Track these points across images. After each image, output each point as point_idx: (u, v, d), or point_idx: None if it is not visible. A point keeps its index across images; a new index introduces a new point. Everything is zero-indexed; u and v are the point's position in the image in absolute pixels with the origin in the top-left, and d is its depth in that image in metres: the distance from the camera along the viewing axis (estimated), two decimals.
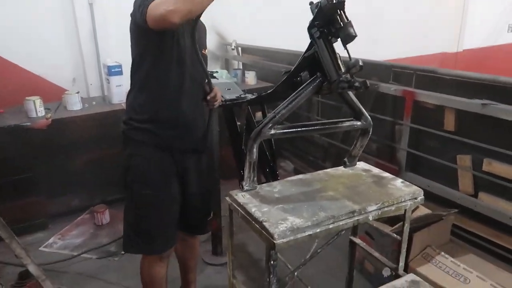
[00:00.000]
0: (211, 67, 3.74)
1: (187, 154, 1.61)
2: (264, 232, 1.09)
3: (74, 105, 2.89)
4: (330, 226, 1.13)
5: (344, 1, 1.14)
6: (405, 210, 1.33)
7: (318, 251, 1.53)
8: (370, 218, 1.20)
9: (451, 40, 5.46)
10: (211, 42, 3.91)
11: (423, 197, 1.30)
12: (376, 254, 1.55)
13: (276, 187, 1.33)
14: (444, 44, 5.48)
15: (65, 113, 2.84)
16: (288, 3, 3.84)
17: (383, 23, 4.76)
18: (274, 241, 1.05)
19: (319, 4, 1.15)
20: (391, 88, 2.43)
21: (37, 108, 2.70)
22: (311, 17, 1.21)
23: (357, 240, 1.64)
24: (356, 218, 1.18)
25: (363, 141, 1.40)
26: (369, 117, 1.34)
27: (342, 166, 1.49)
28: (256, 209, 1.18)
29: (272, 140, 1.77)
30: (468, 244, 2.21)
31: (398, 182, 1.36)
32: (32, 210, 2.76)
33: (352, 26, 1.14)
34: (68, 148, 2.84)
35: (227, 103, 1.80)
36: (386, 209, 1.23)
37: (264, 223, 1.10)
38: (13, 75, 2.99)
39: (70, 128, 2.80)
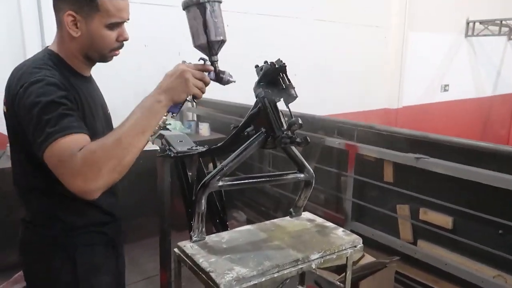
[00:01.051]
0: None
1: (120, 232, 1.40)
2: (211, 283, 1.11)
3: None
4: (275, 275, 1.17)
5: (285, 66, 1.26)
6: (347, 258, 1.40)
7: None
8: (313, 266, 1.26)
9: (392, 97, 5.94)
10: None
11: (362, 245, 1.38)
12: None
13: (224, 238, 1.36)
14: (385, 101, 5.93)
15: (8, 163, 2.73)
16: (241, 60, 4.07)
17: (331, 80, 5.12)
18: None
19: (263, 67, 1.27)
20: (336, 142, 2.59)
21: None
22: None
23: None
24: (300, 266, 1.23)
25: (306, 192, 1.49)
26: (311, 170, 1.43)
27: (288, 216, 1.55)
28: (203, 259, 1.19)
29: (222, 191, 1.82)
30: None
31: (340, 231, 1.44)
32: None
33: (293, 88, 1.26)
34: (8, 200, 2.70)
35: (179, 154, 1.84)
36: (328, 257, 1.29)
37: (211, 274, 1.12)
38: None
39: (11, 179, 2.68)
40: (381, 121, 5.04)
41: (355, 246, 1.37)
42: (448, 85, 6.65)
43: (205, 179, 1.24)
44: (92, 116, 1.20)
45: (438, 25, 6.15)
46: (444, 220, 2.15)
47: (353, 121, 2.73)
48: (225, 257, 1.21)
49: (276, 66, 1.25)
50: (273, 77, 1.28)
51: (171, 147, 1.86)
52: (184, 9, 1.16)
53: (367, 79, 5.53)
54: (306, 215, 1.58)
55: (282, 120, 1.25)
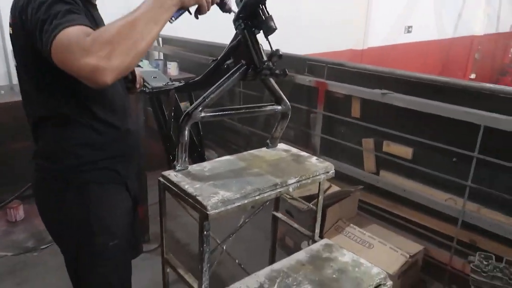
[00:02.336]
0: None
1: (133, 174, 1.38)
2: (198, 205, 1.19)
3: None
4: (256, 198, 1.27)
5: None
6: (320, 182, 1.52)
7: (246, 221, 1.67)
8: (291, 189, 1.37)
9: (358, 39, 5.99)
10: None
11: (334, 171, 1.50)
12: (296, 225, 1.74)
13: (206, 167, 1.43)
14: (352, 42, 5.99)
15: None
16: None
17: (301, 21, 5.08)
18: (207, 212, 1.16)
19: None
20: (306, 79, 2.66)
21: None
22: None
23: (278, 215, 1.81)
24: (278, 190, 1.33)
25: (283, 124, 1.57)
26: (288, 102, 1.50)
27: (265, 147, 1.64)
28: (189, 186, 1.27)
29: (200, 125, 1.87)
30: (372, 216, 2.54)
31: (313, 159, 1.55)
32: None
33: (272, 20, 1.28)
34: None
35: (154, 90, 1.85)
36: (303, 181, 1.40)
37: (198, 197, 1.20)
38: None
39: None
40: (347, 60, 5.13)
41: (328, 172, 1.49)
42: (411, 27, 6.75)
43: (189, 109, 1.28)
44: None
45: None
46: (405, 151, 2.33)
47: (323, 58, 2.79)
48: (209, 183, 1.29)
49: None
50: (252, 9, 1.29)
51: (145, 83, 1.86)
52: None
53: (334, 21, 5.52)
54: (281, 146, 1.68)
55: (262, 52, 1.28)
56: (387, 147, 2.41)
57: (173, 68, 3.65)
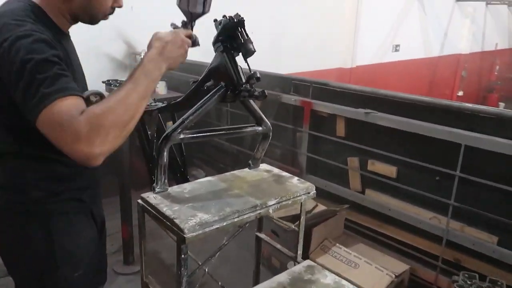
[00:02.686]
0: (119, 76, 3.71)
1: (99, 200, 1.36)
2: (175, 228, 1.18)
3: None
4: (235, 220, 1.26)
5: (244, 20, 1.29)
6: (301, 203, 1.52)
7: (226, 243, 1.65)
8: (271, 211, 1.36)
9: (346, 57, 6.08)
10: (118, 51, 3.88)
11: (315, 191, 1.50)
12: (279, 246, 1.72)
13: (186, 188, 1.42)
14: (340, 60, 6.08)
15: None
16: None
17: (289, 40, 5.14)
18: (184, 235, 1.15)
19: (222, 22, 1.29)
20: (291, 99, 2.68)
21: None
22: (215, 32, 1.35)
23: (262, 235, 1.80)
24: (258, 211, 1.33)
25: (264, 145, 1.57)
26: (268, 123, 1.51)
27: (247, 168, 1.64)
28: (167, 208, 1.26)
29: (183, 146, 1.87)
30: (358, 235, 2.53)
31: (295, 180, 1.55)
32: None
33: (251, 43, 1.29)
34: None
35: None
36: (284, 202, 1.40)
37: (175, 220, 1.19)
38: None
39: None
40: (335, 80, 5.19)
41: (309, 193, 1.49)
42: (399, 45, 6.88)
43: (167, 131, 1.28)
44: (74, 77, 1.11)
45: None
46: (389, 170, 2.34)
47: (309, 78, 2.82)
48: (188, 205, 1.28)
49: (235, 20, 1.28)
50: (231, 32, 1.31)
51: None
52: None
53: (322, 40, 5.61)
54: (263, 166, 1.68)
55: (241, 74, 1.30)
56: (372, 166, 2.42)
57: (161, 88, 3.65)
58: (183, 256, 1.20)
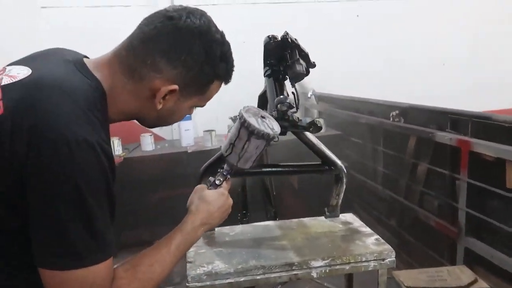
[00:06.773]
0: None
1: None
2: (186, 273, 1.05)
3: (147, 146, 3.22)
4: (258, 277, 1.03)
5: (288, 38, 1.10)
6: (378, 272, 1.13)
7: None
8: (314, 275, 1.06)
9: None
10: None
11: (393, 259, 1.09)
12: None
13: (234, 231, 1.27)
14: None
15: (138, 153, 3.18)
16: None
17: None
18: (187, 285, 1.00)
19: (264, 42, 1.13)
20: (445, 137, 2.12)
21: (115, 147, 3.10)
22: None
23: None
24: (295, 272, 1.05)
25: (338, 190, 1.26)
26: (339, 162, 1.21)
27: (322, 216, 1.35)
28: (194, 249, 1.14)
29: (268, 183, 1.69)
30: None
31: (371, 239, 1.17)
32: None
33: (300, 64, 1.08)
34: (135, 185, 3.13)
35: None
36: (337, 266, 1.07)
37: (188, 264, 1.06)
38: None
39: (139, 167, 3.11)
40: None
41: (383, 260, 1.09)
42: None
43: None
44: None
45: None
46: None
47: (468, 111, 2.18)
48: (216, 250, 1.14)
49: (277, 40, 1.10)
50: (278, 53, 1.13)
51: None
52: (252, 135, 0.90)
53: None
54: (345, 216, 1.35)
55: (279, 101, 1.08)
56: None
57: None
58: None
